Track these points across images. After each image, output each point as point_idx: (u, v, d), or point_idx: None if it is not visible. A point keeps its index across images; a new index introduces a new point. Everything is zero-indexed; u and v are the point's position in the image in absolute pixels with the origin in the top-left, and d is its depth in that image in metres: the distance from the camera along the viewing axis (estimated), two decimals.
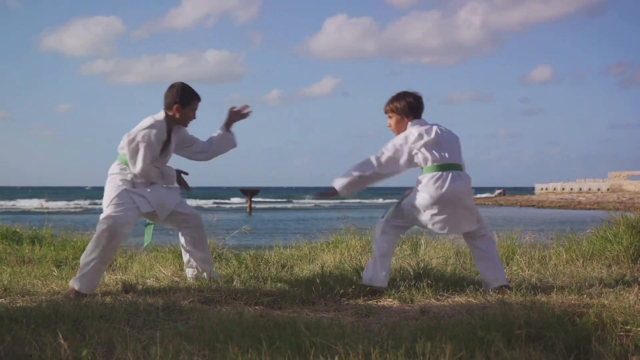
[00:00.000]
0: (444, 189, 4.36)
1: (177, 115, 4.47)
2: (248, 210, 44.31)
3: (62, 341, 2.53)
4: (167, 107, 4.49)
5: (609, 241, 5.50)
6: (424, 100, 4.58)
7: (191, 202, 56.90)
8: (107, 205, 4.37)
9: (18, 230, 6.77)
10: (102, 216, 4.32)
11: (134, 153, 4.40)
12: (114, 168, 4.54)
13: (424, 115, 4.59)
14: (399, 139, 4.49)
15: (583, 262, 5.33)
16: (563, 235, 5.97)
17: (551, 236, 6.25)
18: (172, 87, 4.50)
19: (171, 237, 6.42)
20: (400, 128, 4.56)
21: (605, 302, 3.84)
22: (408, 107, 4.52)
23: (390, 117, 4.60)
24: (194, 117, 4.58)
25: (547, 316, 3.08)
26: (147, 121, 4.44)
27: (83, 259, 4.27)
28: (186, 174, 4.79)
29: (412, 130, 4.48)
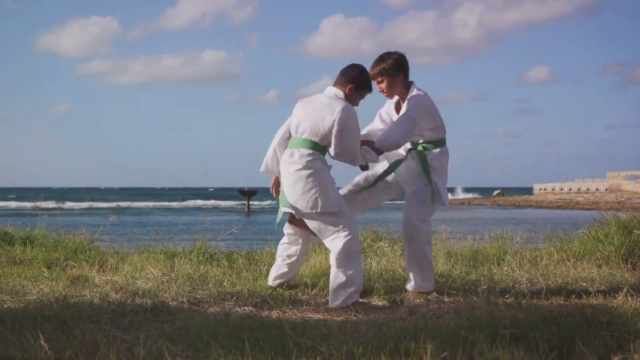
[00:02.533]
0: None
1: (348, 97, 4.18)
2: (246, 210, 44.40)
3: (42, 342, 2.53)
4: (341, 84, 4.19)
5: (600, 241, 5.50)
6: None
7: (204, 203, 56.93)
8: (339, 208, 4.12)
9: (10, 231, 6.75)
10: (346, 228, 4.10)
11: (352, 141, 4.11)
12: (311, 157, 4.12)
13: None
14: (416, 105, 4.23)
15: (574, 262, 5.32)
16: (554, 236, 5.97)
17: (543, 236, 6.24)
18: (354, 66, 4.22)
19: (163, 239, 6.42)
20: (394, 90, 4.34)
21: (594, 302, 3.85)
22: (396, 64, 4.28)
23: (380, 81, 4.32)
24: (356, 105, 4.26)
25: (532, 316, 3.08)
26: (341, 103, 4.09)
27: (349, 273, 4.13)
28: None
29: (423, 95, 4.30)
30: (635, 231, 5.49)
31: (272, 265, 5.39)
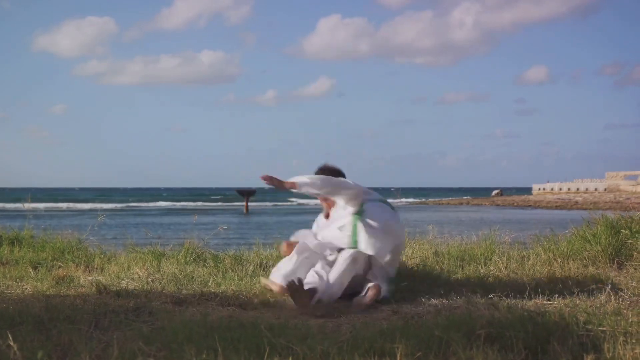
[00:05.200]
0: None
1: None
2: (245, 210, 44.45)
3: (11, 342, 2.53)
4: None
5: (587, 241, 5.49)
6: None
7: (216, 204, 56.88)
8: None
9: None
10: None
11: None
12: None
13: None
14: None
15: (561, 262, 5.32)
16: (542, 236, 5.96)
17: (530, 236, 6.23)
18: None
19: (152, 239, 6.42)
20: None
21: (577, 301, 3.85)
22: None
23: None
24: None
25: (509, 316, 3.07)
26: None
27: None
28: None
29: None
30: (623, 231, 5.49)
31: (258, 265, 5.41)
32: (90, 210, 46.47)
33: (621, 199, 51.59)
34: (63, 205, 54.11)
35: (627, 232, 5.44)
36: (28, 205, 7.22)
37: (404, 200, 66.60)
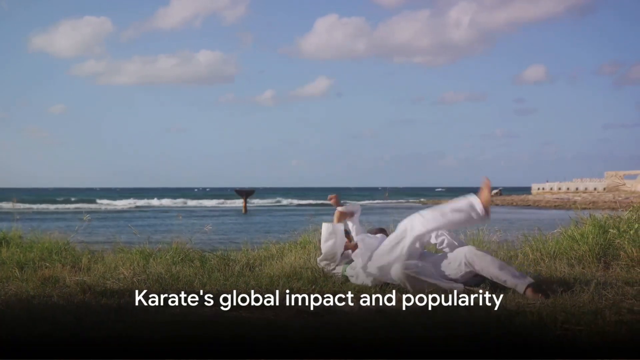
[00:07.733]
0: None
1: None
2: (243, 210, 44.45)
3: None
4: None
5: (575, 241, 5.49)
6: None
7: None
8: None
9: None
10: None
11: None
12: None
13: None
14: None
15: (548, 261, 5.31)
16: (530, 235, 5.95)
17: (519, 236, 6.22)
18: None
19: (141, 239, 6.41)
20: None
21: (560, 301, 3.84)
22: None
23: None
24: None
25: (487, 316, 3.07)
26: None
27: None
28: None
29: None
30: (611, 230, 5.48)
31: (245, 266, 5.41)
32: (88, 210, 46.42)
33: (620, 198, 51.54)
34: (60, 206, 54.05)
35: (614, 231, 5.43)
36: (17, 205, 7.19)
37: (402, 200, 66.56)
